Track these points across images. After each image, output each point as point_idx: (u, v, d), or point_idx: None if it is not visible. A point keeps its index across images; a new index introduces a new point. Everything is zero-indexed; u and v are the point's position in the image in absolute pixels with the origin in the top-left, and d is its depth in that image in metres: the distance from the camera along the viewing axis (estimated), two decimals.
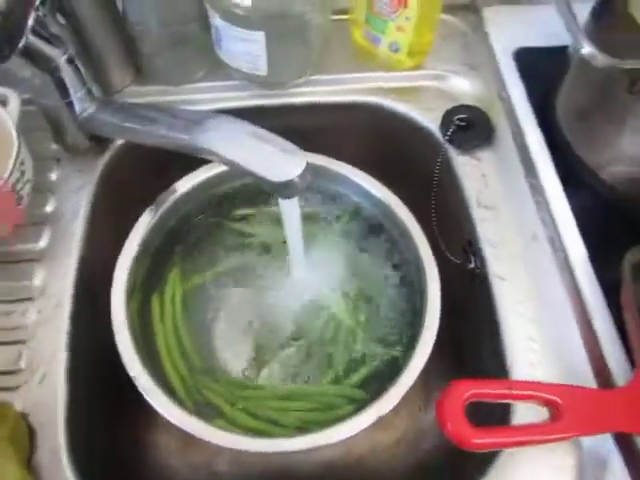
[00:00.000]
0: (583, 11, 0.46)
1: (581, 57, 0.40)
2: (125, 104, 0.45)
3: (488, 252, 0.48)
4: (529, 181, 0.49)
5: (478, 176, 0.52)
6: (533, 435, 0.32)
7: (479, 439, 0.31)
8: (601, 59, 0.37)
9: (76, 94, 0.45)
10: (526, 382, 0.38)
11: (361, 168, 0.51)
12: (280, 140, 0.36)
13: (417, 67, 0.56)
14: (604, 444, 0.37)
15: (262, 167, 0.34)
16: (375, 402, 0.40)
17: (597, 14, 0.46)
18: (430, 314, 0.44)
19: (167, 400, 0.39)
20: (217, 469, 0.52)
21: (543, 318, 0.44)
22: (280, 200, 0.38)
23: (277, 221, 0.52)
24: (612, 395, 0.35)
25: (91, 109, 0.46)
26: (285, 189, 0.35)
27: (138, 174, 0.54)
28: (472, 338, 0.50)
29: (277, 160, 0.35)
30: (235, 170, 0.35)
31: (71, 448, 0.40)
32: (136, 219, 0.48)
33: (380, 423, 0.53)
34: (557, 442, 0.32)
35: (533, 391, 0.33)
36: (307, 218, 0.53)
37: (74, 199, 0.49)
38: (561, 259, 0.45)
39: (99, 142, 0.51)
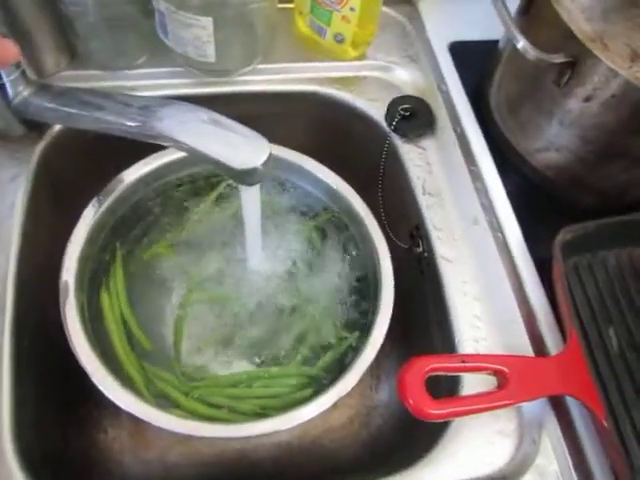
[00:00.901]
0: (515, 5, 0.50)
1: (512, 50, 0.43)
2: (67, 89, 0.43)
3: (434, 236, 0.50)
4: (469, 168, 0.52)
5: (422, 164, 0.54)
6: (484, 403, 0.35)
7: (438, 410, 0.34)
8: (533, 53, 0.40)
9: (8, 76, 0.42)
10: (477, 355, 0.41)
11: (309, 156, 0.52)
12: (241, 126, 0.36)
13: (360, 57, 0.58)
14: (540, 408, 0.41)
15: (225, 154, 0.34)
16: (334, 385, 0.42)
17: (524, 11, 0.49)
18: (384, 300, 0.45)
19: (126, 393, 0.38)
20: (170, 461, 0.52)
21: (486, 296, 0.47)
22: (242, 188, 0.38)
23: (227, 210, 0.52)
24: (549, 362, 0.38)
25: (26, 92, 0.43)
26: (248, 177, 0.35)
27: (79, 162, 0.52)
28: (421, 319, 0.53)
29: (240, 147, 0.35)
30: (196, 157, 0.35)
31: (18, 447, 0.39)
32: (78, 210, 0.46)
33: (335, 405, 0.55)
34: (504, 408, 0.35)
35: (484, 362, 0.36)
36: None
37: (9, 189, 0.47)
38: (500, 240, 0.49)
39: (34, 128, 0.48)
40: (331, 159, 0.54)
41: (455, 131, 0.54)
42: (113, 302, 0.47)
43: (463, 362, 0.35)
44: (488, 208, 0.50)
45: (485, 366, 0.35)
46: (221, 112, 0.46)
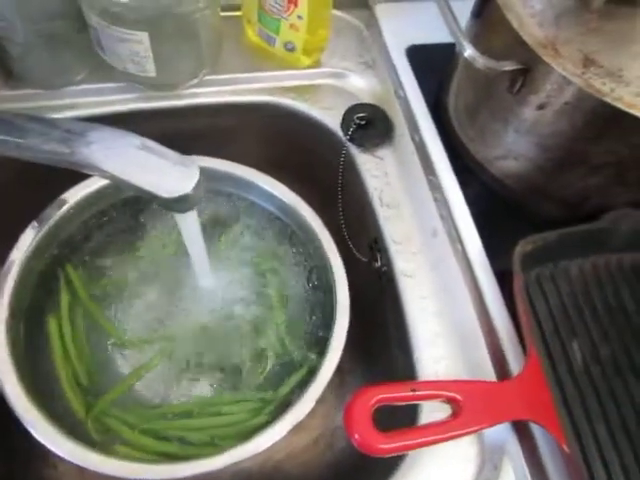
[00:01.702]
0: (466, 10, 0.48)
1: (465, 58, 0.42)
2: None
3: (393, 249, 0.49)
4: (428, 178, 0.51)
5: (380, 174, 0.52)
6: (437, 434, 0.33)
7: (386, 444, 0.32)
8: (481, 61, 0.38)
9: None
10: (428, 382, 0.39)
11: (264, 170, 0.50)
12: (171, 152, 0.34)
13: (314, 65, 0.56)
14: (502, 432, 0.40)
15: (152, 183, 0.32)
16: (289, 412, 0.40)
17: (476, 15, 0.47)
18: (339, 320, 0.44)
19: (61, 437, 0.36)
20: None
21: (446, 312, 0.46)
22: (176, 215, 0.36)
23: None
24: (507, 386, 0.36)
25: None
26: (179, 204, 0.33)
27: (18, 187, 0.49)
28: (382, 336, 0.51)
29: (168, 174, 0.33)
30: (123, 187, 0.33)
31: None
32: (16, 236, 0.44)
33: (297, 428, 0.53)
34: (461, 437, 0.34)
35: (435, 390, 0.34)
36: (211, 224, 0.51)
37: None
38: (459, 252, 0.47)
39: None
40: (288, 171, 0.53)
41: (413, 140, 0.52)
42: (61, 329, 0.45)
43: (413, 391, 0.33)
44: (447, 219, 0.48)
45: (437, 394, 0.34)
46: (168, 128, 0.44)
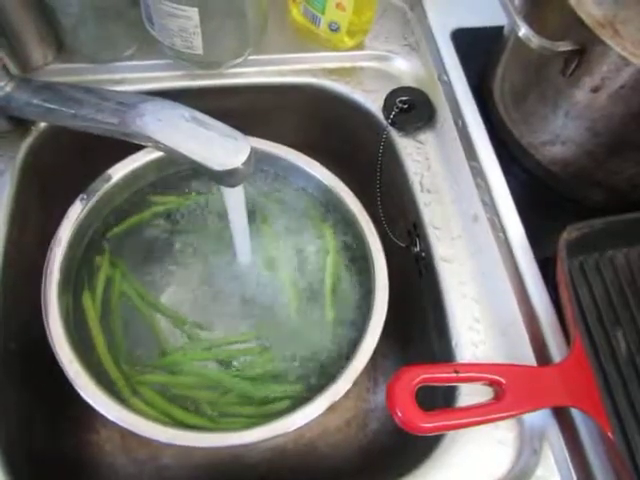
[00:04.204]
0: None
1: (516, 38, 0.41)
2: (48, 83, 0.41)
3: (432, 235, 0.48)
4: (470, 164, 0.50)
5: (421, 159, 0.52)
6: (479, 416, 0.33)
7: (428, 424, 0.32)
8: (536, 41, 0.38)
9: None
10: (471, 364, 0.39)
11: (303, 151, 0.50)
12: (222, 125, 0.34)
13: (358, 47, 0.55)
14: (542, 417, 0.39)
15: (204, 155, 0.33)
16: (326, 390, 0.40)
17: None
18: (378, 301, 0.44)
19: (105, 397, 0.37)
20: (163, 463, 0.51)
21: (486, 298, 0.45)
22: (223, 188, 0.36)
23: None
24: (551, 371, 0.36)
25: (8, 88, 0.42)
26: (229, 177, 0.33)
27: (67, 159, 0.51)
28: (418, 320, 0.51)
29: (219, 147, 0.33)
30: (175, 157, 0.33)
31: (4, 452, 0.38)
32: (65, 208, 0.45)
33: (331, 408, 0.53)
34: (502, 420, 0.33)
35: (478, 372, 0.34)
36: (251, 204, 0.51)
37: None
38: (501, 239, 0.46)
39: (20, 124, 0.47)
40: (327, 153, 0.53)
41: (456, 124, 0.52)
42: (96, 304, 0.46)
43: (456, 372, 0.33)
44: (489, 205, 0.47)
45: (480, 376, 0.33)
46: (210, 106, 0.44)
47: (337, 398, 0.40)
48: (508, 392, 0.33)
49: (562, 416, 0.39)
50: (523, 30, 0.38)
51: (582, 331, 0.41)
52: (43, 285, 0.40)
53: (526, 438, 0.39)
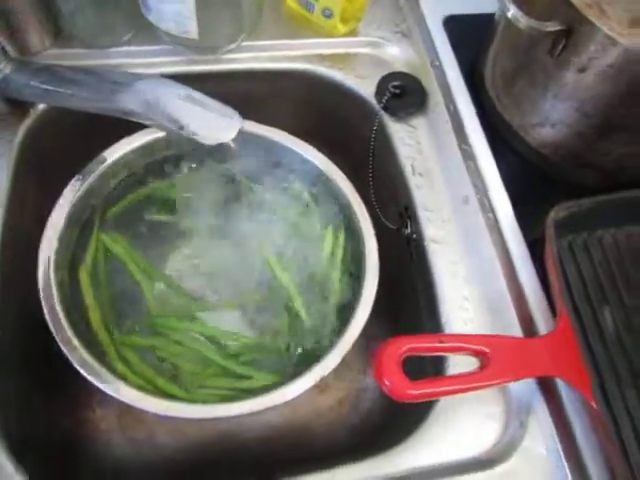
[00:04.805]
0: None
1: (506, 21, 0.41)
2: (46, 65, 0.43)
3: (423, 217, 0.49)
4: (461, 147, 0.51)
5: (413, 143, 0.53)
6: (463, 384, 0.34)
7: (414, 390, 0.33)
8: (524, 21, 0.38)
9: None
10: (456, 334, 0.39)
11: (298, 136, 0.51)
12: (214, 103, 0.35)
13: (351, 33, 0.56)
14: (529, 391, 0.40)
15: (194, 130, 0.33)
16: (315, 366, 0.41)
17: None
18: (368, 281, 0.44)
19: (102, 369, 0.38)
20: (159, 441, 0.51)
21: (475, 277, 0.46)
22: None
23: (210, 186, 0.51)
24: (535, 342, 0.37)
25: (7, 70, 0.43)
26: (218, 153, 0.34)
27: (65, 141, 0.51)
28: (410, 301, 0.52)
29: (210, 123, 0.34)
30: (167, 133, 0.34)
31: (2, 432, 0.38)
32: (62, 190, 0.46)
33: (324, 388, 0.54)
34: (486, 388, 0.34)
35: (463, 342, 0.34)
36: (246, 187, 0.52)
37: None
38: (491, 220, 0.47)
39: (18, 106, 0.48)
40: (321, 138, 0.53)
41: (448, 109, 0.52)
42: (92, 279, 0.47)
43: (441, 342, 0.34)
44: (480, 188, 0.48)
45: (464, 346, 0.34)
46: (208, 91, 0.45)
47: (326, 372, 0.40)
48: (492, 362, 0.34)
49: (548, 390, 0.40)
50: (512, 11, 0.39)
51: (569, 309, 0.42)
52: (39, 264, 0.41)
53: (513, 411, 0.40)
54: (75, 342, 0.38)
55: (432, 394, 0.33)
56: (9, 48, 0.44)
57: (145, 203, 0.50)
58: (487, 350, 0.34)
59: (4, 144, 0.47)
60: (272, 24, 0.55)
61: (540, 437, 0.39)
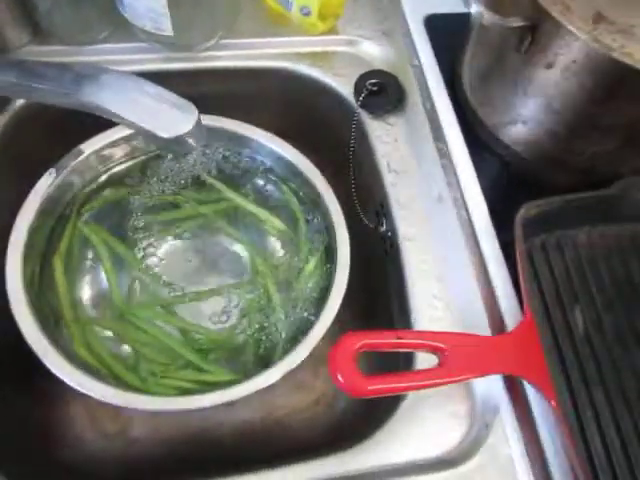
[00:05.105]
0: None
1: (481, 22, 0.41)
2: (17, 60, 0.43)
3: (398, 215, 0.49)
4: (437, 145, 0.50)
5: (390, 140, 0.52)
6: (418, 380, 0.33)
7: (367, 386, 0.33)
8: (488, 17, 0.38)
9: None
10: (414, 331, 0.39)
11: (277, 134, 0.51)
12: (173, 96, 0.35)
13: (330, 31, 0.56)
14: (495, 392, 0.40)
15: (151, 122, 0.34)
16: (284, 359, 0.41)
17: None
18: (339, 273, 0.44)
19: (72, 367, 0.38)
20: (132, 436, 0.52)
21: (447, 277, 0.46)
22: None
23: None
24: (496, 340, 0.36)
25: None
26: (176, 145, 0.35)
27: (42, 137, 0.52)
28: (383, 300, 0.52)
29: (168, 116, 0.34)
30: (128, 127, 0.34)
31: None
32: None
33: (300, 386, 0.54)
34: (443, 386, 0.34)
35: (420, 339, 0.34)
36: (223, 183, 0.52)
37: None
38: (464, 219, 0.47)
39: None
40: (301, 137, 0.53)
41: (425, 107, 0.52)
42: (66, 267, 0.47)
43: (399, 338, 0.34)
44: (454, 186, 0.48)
45: (422, 343, 0.34)
46: (185, 89, 0.45)
47: (294, 366, 0.40)
48: (450, 359, 0.34)
49: (514, 389, 0.39)
50: (475, 7, 0.39)
51: (536, 308, 0.42)
52: (7, 252, 0.42)
53: (478, 411, 0.40)
54: (39, 332, 0.39)
55: (385, 390, 0.33)
56: None
57: (124, 198, 0.50)
58: (444, 347, 0.34)
59: None
60: (249, 22, 0.55)
61: (504, 438, 0.38)
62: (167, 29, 0.48)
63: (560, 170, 0.47)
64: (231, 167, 0.51)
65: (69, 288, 0.45)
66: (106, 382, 0.38)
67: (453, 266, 0.46)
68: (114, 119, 0.35)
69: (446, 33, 0.56)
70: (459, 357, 0.34)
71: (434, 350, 0.34)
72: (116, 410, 0.52)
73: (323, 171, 0.50)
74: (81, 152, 0.47)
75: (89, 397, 0.38)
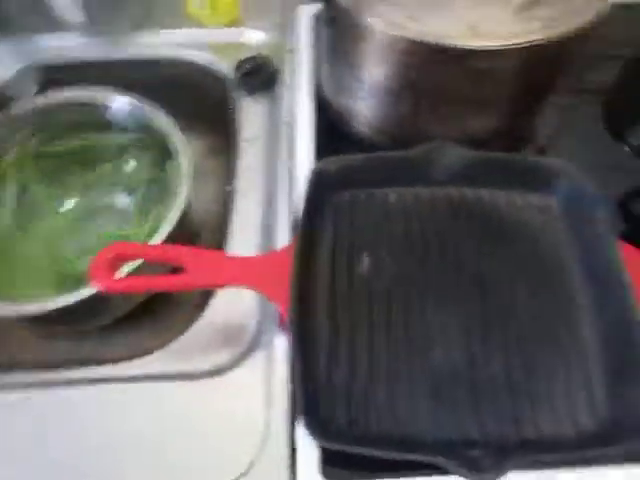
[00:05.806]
0: None
1: None
2: None
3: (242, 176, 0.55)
4: (288, 120, 0.56)
5: (252, 116, 0.59)
6: (158, 283, 0.39)
7: (115, 283, 0.39)
8: None
9: None
10: (159, 246, 0.45)
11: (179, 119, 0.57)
12: None
13: (224, 23, 0.64)
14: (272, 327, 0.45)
15: None
16: None
17: None
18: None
19: None
20: None
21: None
22: None
23: None
24: (242, 259, 0.41)
25: None
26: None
27: None
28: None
29: None
30: None
31: None
32: None
33: None
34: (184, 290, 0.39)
35: (163, 252, 0.40)
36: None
37: None
38: (291, 174, 0.52)
39: None
40: (199, 120, 0.65)
41: (290, 89, 0.58)
42: None
43: (146, 251, 0.40)
44: (293, 153, 0.53)
45: (163, 255, 0.40)
46: (94, 79, 0.57)
47: None
48: (190, 271, 0.39)
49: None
50: None
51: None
52: None
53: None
54: None
55: (128, 286, 0.39)
56: None
57: None
58: (185, 259, 0.39)
59: None
60: (161, 13, 0.65)
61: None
62: (78, 16, 0.59)
63: (385, 139, 0.51)
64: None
65: None
66: None
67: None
68: None
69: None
70: (199, 269, 0.39)
71: (174, 260, 0.40)
72: None
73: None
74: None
75: None
